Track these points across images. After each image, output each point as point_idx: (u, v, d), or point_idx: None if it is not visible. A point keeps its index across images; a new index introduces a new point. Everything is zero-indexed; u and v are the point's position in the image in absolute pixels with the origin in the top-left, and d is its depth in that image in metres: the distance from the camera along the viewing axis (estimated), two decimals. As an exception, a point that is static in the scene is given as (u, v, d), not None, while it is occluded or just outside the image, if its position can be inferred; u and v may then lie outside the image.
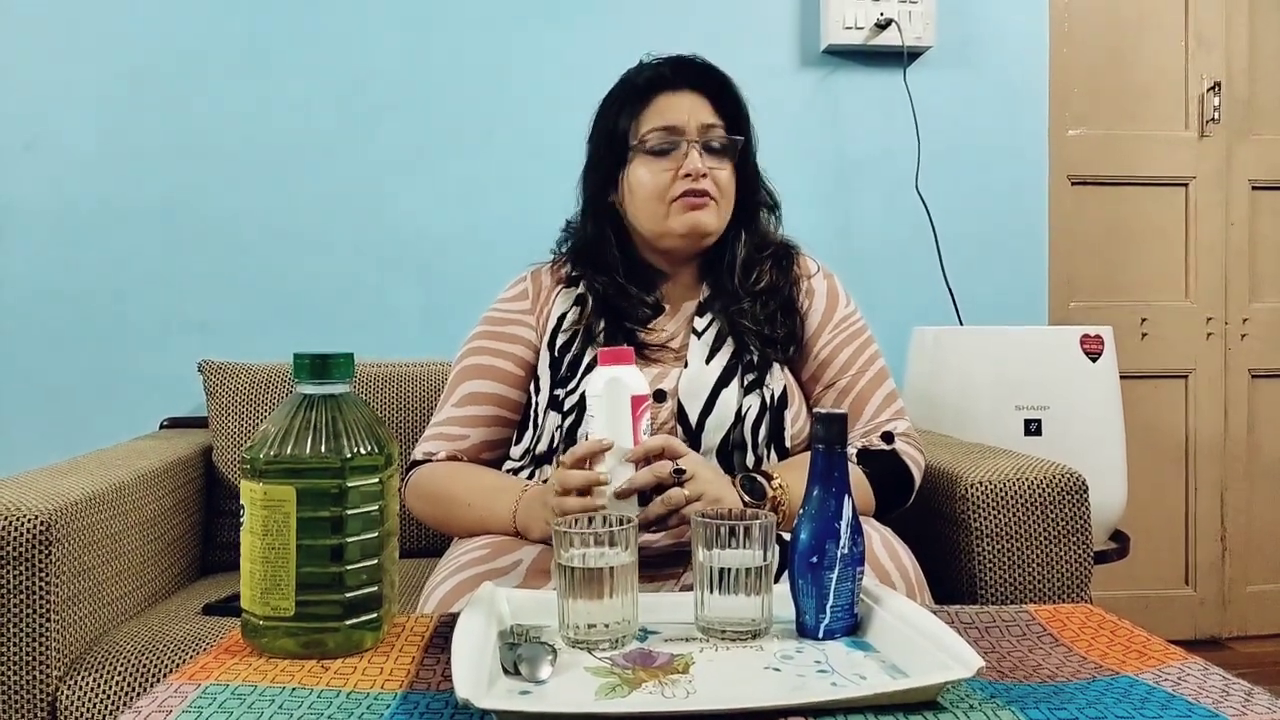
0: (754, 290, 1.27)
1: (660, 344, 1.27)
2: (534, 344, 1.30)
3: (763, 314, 1.27)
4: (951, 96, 2.19)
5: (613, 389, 1.02)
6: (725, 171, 1.26)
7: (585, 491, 1.01)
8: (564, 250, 1.35)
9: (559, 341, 1.26)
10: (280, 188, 2.03)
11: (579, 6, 2.10)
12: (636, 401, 1.02)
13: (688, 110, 1.25)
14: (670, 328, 1.29)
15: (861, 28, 2.12)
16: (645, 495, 1.02)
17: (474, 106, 2.08)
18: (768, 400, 1.22)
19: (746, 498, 1.09)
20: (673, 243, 1.27)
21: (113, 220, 1.99)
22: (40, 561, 1.15)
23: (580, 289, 1.30)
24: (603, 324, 1.25)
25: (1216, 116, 2.48)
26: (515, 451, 1.28)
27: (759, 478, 1.12)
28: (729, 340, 1.25)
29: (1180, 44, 2.49)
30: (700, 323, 1.27)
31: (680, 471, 1.02)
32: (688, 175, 1.22)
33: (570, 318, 1.28)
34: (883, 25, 2.11)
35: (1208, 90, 2.48)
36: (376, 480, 0.81)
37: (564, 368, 1.24)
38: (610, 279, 1.28)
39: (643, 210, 1.26)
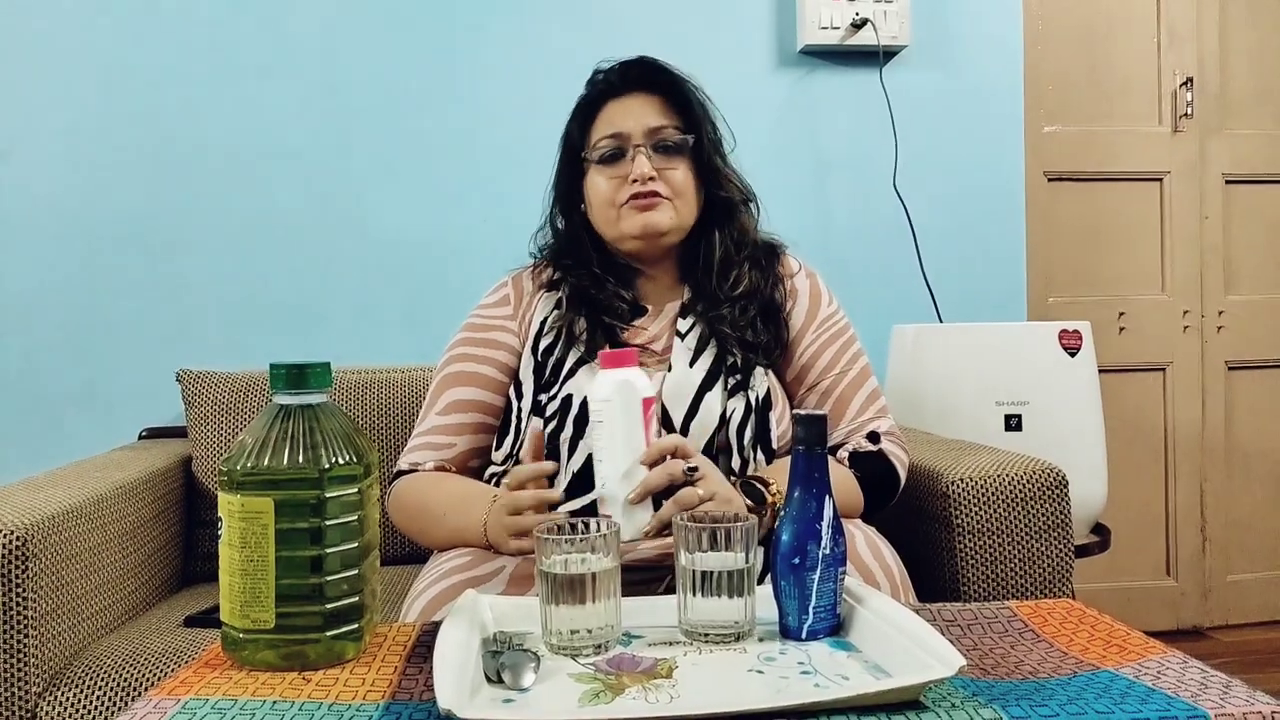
0: (732, 295, 1.26)
1: (643, 345, 1.26)
2: (516, 349, 1.29)
3: (743, 319, 1.26)
4: (927, 95, 2.20)
5: (623, 392, 0.98)
6: (679, 171, 1.25)
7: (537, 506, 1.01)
8: (544, 249, 1.35)
9: (542, 345, 1.26)
10: (258, 195, 2.02)
11: (555, 10, 2.10)
12: (646, 404, 0.99)
13: (633, 115, 1.25)
14: (653, 329, 1.29)
15: (837, 28, 2.12)
16: (656, 498, 1.00)
17: (452, 112, 2.07)
18: (752, 403, 1.21)
19: (749, 502, 1.08)
20: (632, 245, 1.27)
21: (89, 229, 1.98)
22: (17, 577, 1.14)
23: (561, 292, 1.29)
24: (583, 323, 1.25)
25: (1189, 111, 2.50)
26: (497, 456, 1.27)
27: (757, 484, 1.12)
28: (712, 342, 1.25)
29: (1152, 40, 2.51)
30: (684, 325, 1.27)
31: (693, 469, 1.00)
32: (635, 180, 1.22)
33: (552, 319, 1.27)
34: (858, 25, 2.12)
35: (1180, 85, 2.50)
36: (355, 490, 0.81)
37: (547, 372, 1.23)
38: (587, 271, 1.28)
39: (599, 218, 1.27)
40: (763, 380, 1.24)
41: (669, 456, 1.01)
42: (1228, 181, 2.55)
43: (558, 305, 1.28)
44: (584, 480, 1.16)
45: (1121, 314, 2.50)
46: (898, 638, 0.78)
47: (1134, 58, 2.51)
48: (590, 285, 1.27)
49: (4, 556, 1.13)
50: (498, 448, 1.27)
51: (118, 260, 1.98)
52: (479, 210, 2.06)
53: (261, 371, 1.78)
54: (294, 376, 0.81)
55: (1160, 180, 2.53)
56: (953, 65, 2.22)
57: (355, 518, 0.81)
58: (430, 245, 2.06)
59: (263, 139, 2.02)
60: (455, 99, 2.07)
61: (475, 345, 1.30)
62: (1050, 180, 2.47)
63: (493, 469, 1.28)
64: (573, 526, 0.86)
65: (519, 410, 1.24)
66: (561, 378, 1.22)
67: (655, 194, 1.23)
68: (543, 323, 1.28)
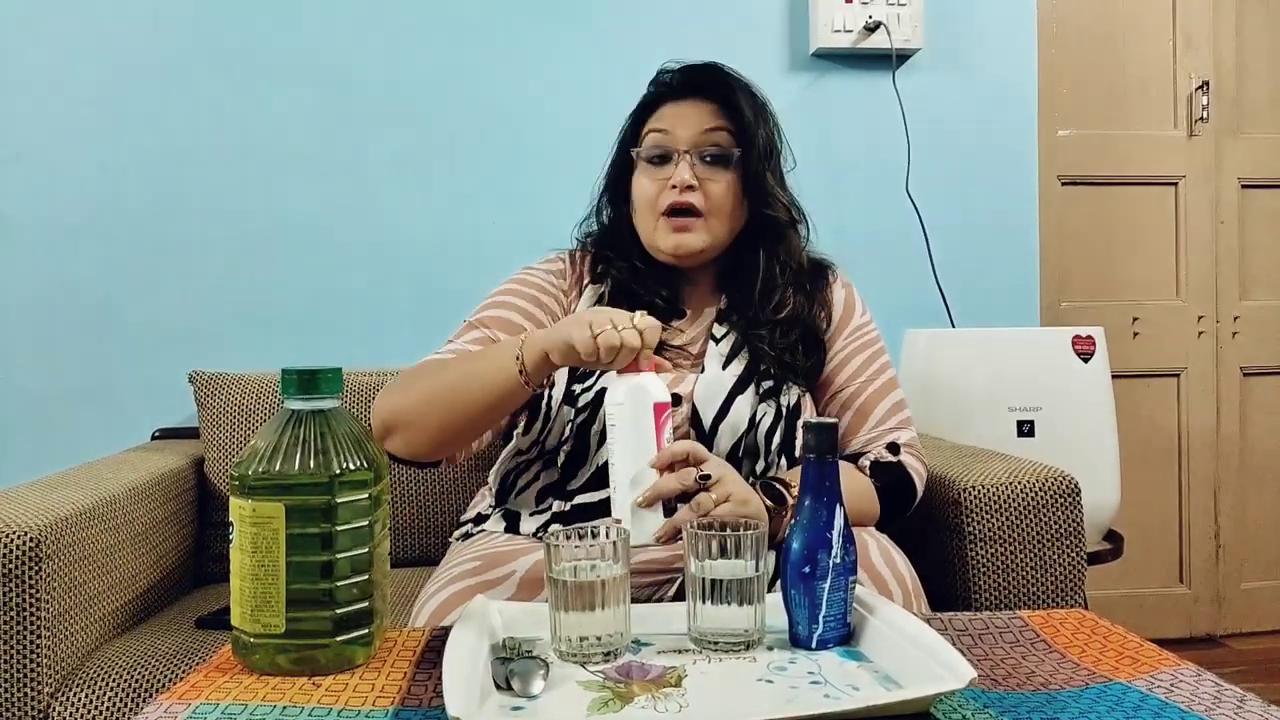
0: (774, 319, 1.25)
1: (680, 346, 1.26)
2: (559, 318, 1.26)
3: (783, 342, 1.25)
4: (941, 98, 2.19)
5: (635, 397, 0.98)
6: (720, 184, 1.23)
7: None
8: (588, 237, 1.34)
9: None
10: (270, 196, 2.03)
11: (568, 14, 2.10)
12: (659, 409, 0.99)
13: (685, 118, 1.24)
14: (691, 332, 1.29)
15: (850, 31, 2.12)
16: (669, 503, 0.99)
17: (464, 113, 2.07)
18: (783, 409, 1.21)
19: (769, 502, 1.07)
20: (664, 258, 1.27)
21: (102, 230, 1.99)
22: (30, 578, 1.15)
23: (604, 286, 1.29)
24: None
25: (1205, 115, 2.48)
26: (524, 443, 1.26)
27: (777, 484, 1.11)
28: (746, 348, 1.24)
29: (1168, 43, 2.49)
30: (719, 330, 1.27)
31: (705, 476, 0.99)
32: (674, 186, 1.22)
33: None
34: (871, 28, 2.11)
35: (1196, 89, 2.48)
36: (366, 495, 0.81)
37: None
38: (629, 264, 1.28)
39: (639, 219, 1.27)
40: (794, 388, 1.24)
41: (683, 462, 1.00)
42: (1243, 186, 2.53)
43: (599, 299, 1.28)
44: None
45: (1135, 319, 2.48)
46: (909, 648, 0.78)
47: (1149, 61, 2.49)
48: (631, 279, 1.27)
49: (17, 557, 1.14)
50: (525, 432, 1.26)
51: (130, 261, 1.99)
52: (491, 213, 2.07)
53: (274, 373, 1.79)
54: (305, 382, 0.81)
55: (1175, 185, 2.51)
56: (966, 69, 2.21)
57: (366, 523, 0.81)
58: (443, 248, 2.06)
59: (275, 141, 2.03)
60: (468, 102, 2.07)
61: (523, 299, 1.25)
62: (1064, 184, 2.45)
63: (520, 458, 1.26)
64: (581, 533, 0.86)
65: (549, 398, 1.22)
66: (598, 370, 1.20)
67: (691, 210, 1.22)
68: None
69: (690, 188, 1.22)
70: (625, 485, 0.98)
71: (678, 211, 1.23)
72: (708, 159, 1.24)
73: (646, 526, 0.97)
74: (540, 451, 1.23)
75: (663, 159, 1.24)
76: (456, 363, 1.15)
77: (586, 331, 0.97)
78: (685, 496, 0.99)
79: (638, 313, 1.00)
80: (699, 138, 1.23)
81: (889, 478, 1.23)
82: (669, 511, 0.99)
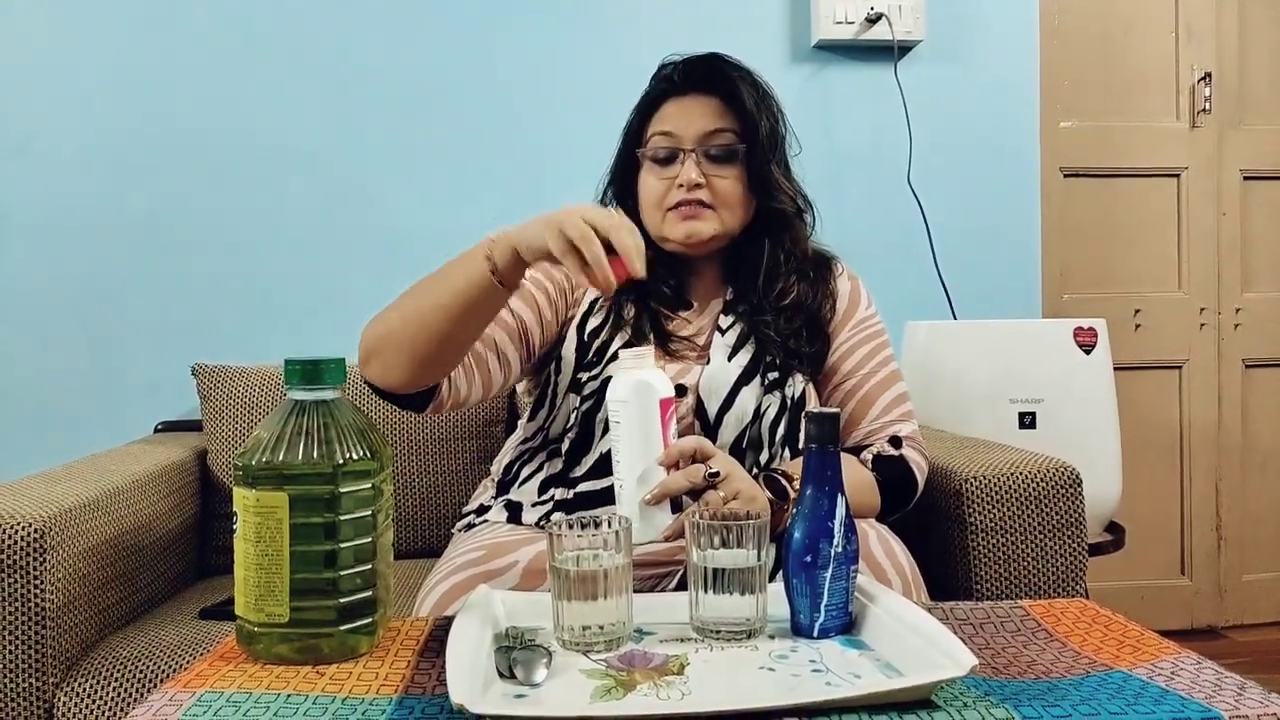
0: (779, 305, 1.26)
1: (686, 337, 1.26)
2: (558, 303, 1.26)
3: (788, 329, 1.25)
4: (942, 90, 2.19)
5: (640, 393, 0.97)
6: (727, 180, 1.24)
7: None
8: None
9: (590, 325, 1.25)
10: (272, 190, 2.03)
11: (569, 7, 2.10)
12: (665, 405, 0.98)
13: (689, 117, 1.24)
14: (697, 324, 1.29)
15: (852, 22, 2.11)
16: (676, 500, 0.99)
17: (464, 107, 2.07)
18: (787, 400, 1.22)
19: (771, 495, 1.07)
20: (673, 248, 1.27)
21: (105, 224, 1.99)
22: (35, 569, 1.15)
23: None
24: (633, 308, 1.24)
25: (1207, 107, 2.48)
26: (529, 429, 1.26)
27: (780, 478, 1.11)
28: (752, 340, 1.25)
29: (1170, 35, 2.49)
30: (725, 321, 1.27)
31: (714, 474, 0.99)
32: (681, 185, 1.22)
33: (601, 299, 1.26)
34: (873, 20, 2.11)
35: (1198, 81, 2.48)
36: (369, 485, 0.81)
37: (590, 352, 1.22)
38: None
39: (646, 215, 1.27)
40: (800, 380, 1.24)
41: (689, 459, 1.00)
42: (1245, 178, 2.53)
43: None
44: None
45: (1137, 311, 2.48)
46: (910, 637, 0.78)
47: (1151, 53, 2.49)
48: None
49: (22, 549, 1.14)
50: (530, 419, 1.26)
51: (133, 255, 1.99)
52: (493, 206, 2.07)
53: (276, 365, 1.79)
54: (309, 372, 0.81)
55: (1177, 176, 2.51)
56: (968, 60, 2.21)
57: (369, 512, 0.81)
58: (444, 242, 2.01)
59: (277, 136, 2.03)
60: (469, 96, 2.07)
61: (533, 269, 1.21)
62: (1066, 176, 2.45)
63: (523, 445, 1.26)
64: (584, 523, 0.86)
65: (555, 384, 1.23)
66: (605, 359, 1.21)
67: (700, 203, 1.22)
68: (592, 303, 1.27)
69: (698, 185, 1.22)
70: (632, 483, 0.97)
71: (687, 201, 1.23)
72: (713, 156, 1.24)
73: (654, 524, 0.97)
74: (544, 440, 1.24)
75: (668, 158, 1.24)
76: (430, 275, 1.12)
77: (559, 238, 0.96)
78: (693, 493, 0.99)
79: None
80: (704, 136, 1.23)
81: (891, 472, 1.24)
82: (676, 508, 0.99)
